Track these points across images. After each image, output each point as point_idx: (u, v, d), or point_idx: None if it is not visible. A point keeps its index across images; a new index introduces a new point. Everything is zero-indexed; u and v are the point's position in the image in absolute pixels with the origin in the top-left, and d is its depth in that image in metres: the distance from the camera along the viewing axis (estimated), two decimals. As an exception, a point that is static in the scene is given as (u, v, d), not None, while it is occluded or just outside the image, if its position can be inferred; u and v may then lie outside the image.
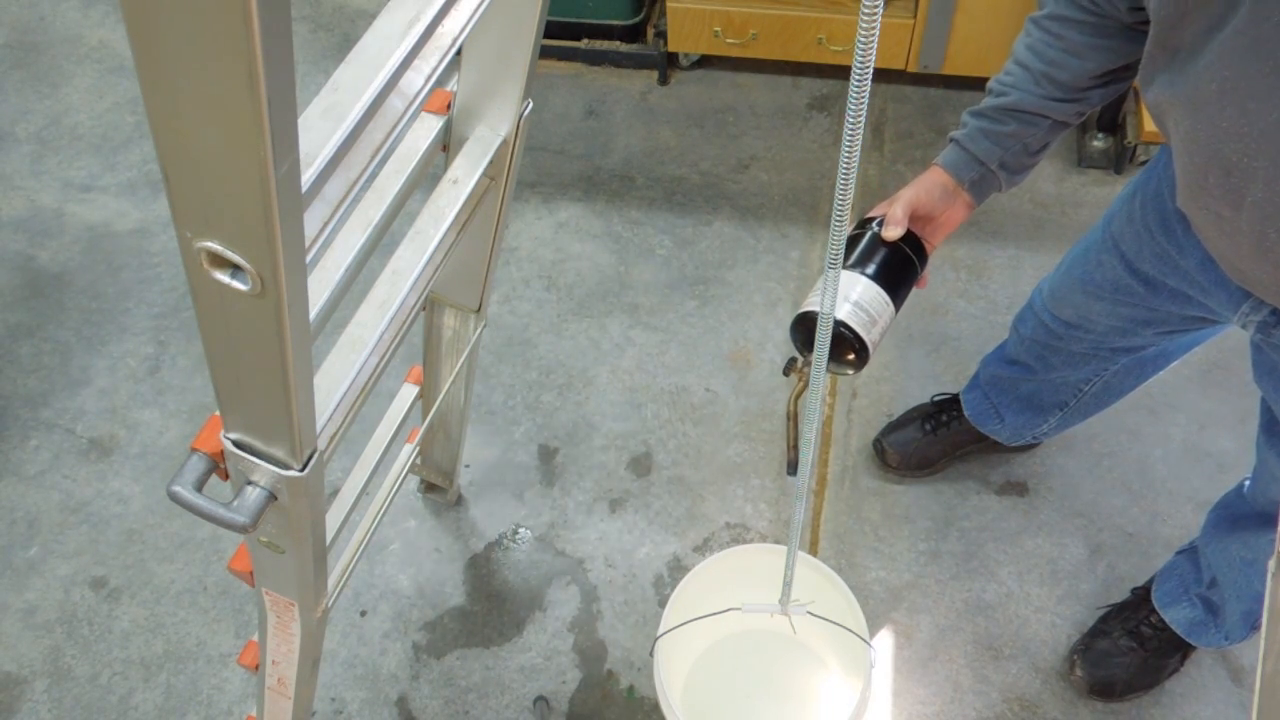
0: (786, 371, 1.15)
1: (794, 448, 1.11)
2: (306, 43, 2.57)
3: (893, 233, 1.14)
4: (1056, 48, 1.11)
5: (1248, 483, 1.43)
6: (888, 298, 1.11)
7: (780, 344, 2.04)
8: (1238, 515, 1.45)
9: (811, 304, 1.09)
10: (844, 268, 1.12)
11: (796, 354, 1.15)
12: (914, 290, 1.18)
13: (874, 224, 1.16)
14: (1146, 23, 1.03)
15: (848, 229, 1.17)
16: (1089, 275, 1.37)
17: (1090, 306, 1.40)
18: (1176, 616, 1.59)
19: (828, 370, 0.97)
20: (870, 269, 1.12)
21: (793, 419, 1.13)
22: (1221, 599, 1.50)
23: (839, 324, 1.08)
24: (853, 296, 1.10)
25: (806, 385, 1.08)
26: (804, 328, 1.11)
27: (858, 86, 0.61)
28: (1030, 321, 1.55)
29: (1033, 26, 1.14)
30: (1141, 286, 1.29)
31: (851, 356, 1.11)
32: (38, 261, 2.20)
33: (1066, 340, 1.49)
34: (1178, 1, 0.89)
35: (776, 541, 1.77)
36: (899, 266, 1.15)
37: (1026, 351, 1.58)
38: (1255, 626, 1.50)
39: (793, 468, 1.10)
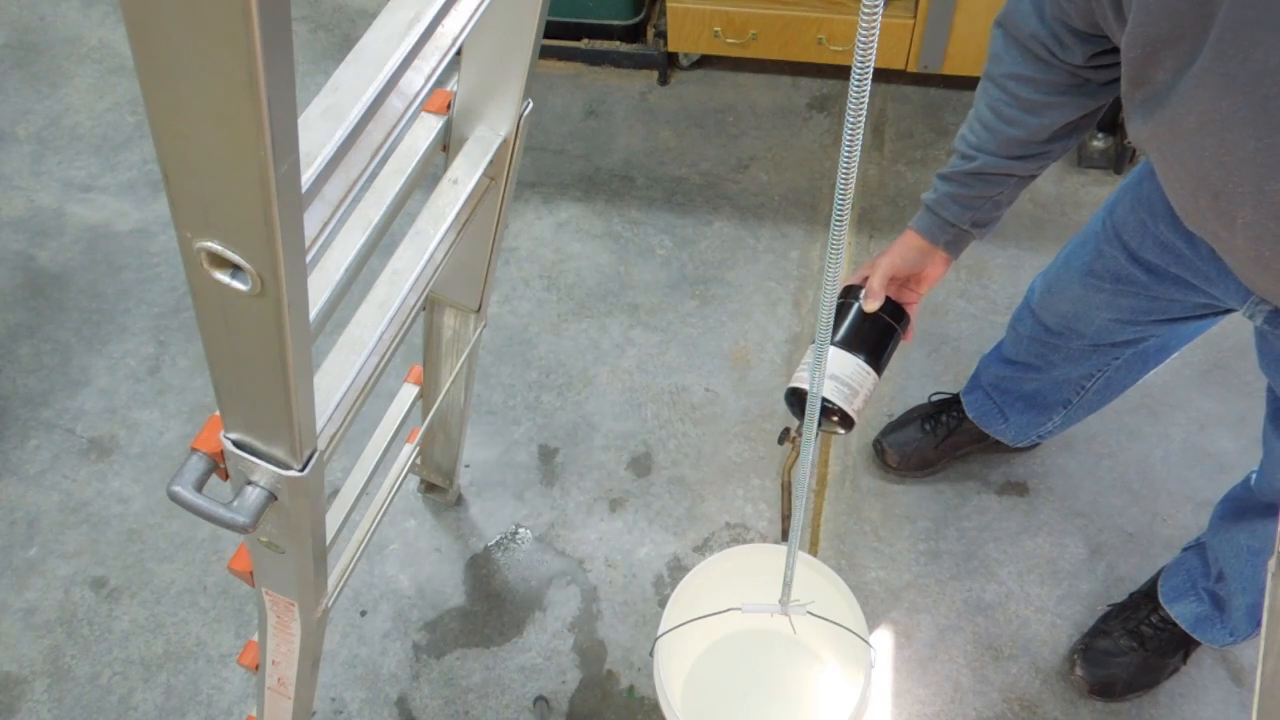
0: (781, 441, 1.24)
1: (787, 517, 1.18)
2: (306, 43, 2.57)
3: (871, 305, 1.24)
4: (1014, 106, 1.15)
5: (1254, 475, 1.42)
6: (869, 368, 1.23)
7: (780, 344, 2.04)
8: (1245, 507, 1.45)
9: (799, 379, 1.22)
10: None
11: (792, 416, 1.25)
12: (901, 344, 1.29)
13: (854, 294, 1.27)
14: (1103, 69, 1.08)
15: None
16: (1089, 266, 1.38)
17: (1090, 299, 1.40)
18: (1183, 611, 1.58)
19: (820, 431, 1.05)
20: (851, 342, 1.24)
21: (786, 489, 1.20)
22: (1229, 593, 1.50)
23: (823, 399, 1.18)
24: (835, 372, 1.21)
25: (799, 455, 1.16)
26: (796, 398, 1.23)
27: (858, 86, 0.61)
28: (1028, 321, 1.55)
29: (989, 84, 1.17)
30: (1145, 275, 1.30)
31: (837, 419, 1.22)
32: (38, 261, 2.20)
33: (1066, 337, 1.49)
34: (1145, 44, 0.91)
35: (776, 541, 1.77)
36: (879, 335, 1.26)
37: (1026, 351, 1.58)
38: (1260, 622, 1.50)
39: (785, 535, 1.21)
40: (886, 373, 1.75)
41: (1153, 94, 0.95)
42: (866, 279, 1.25)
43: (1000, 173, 1.20)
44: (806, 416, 0.95)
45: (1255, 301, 1.18)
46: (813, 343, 1.01)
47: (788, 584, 1.22)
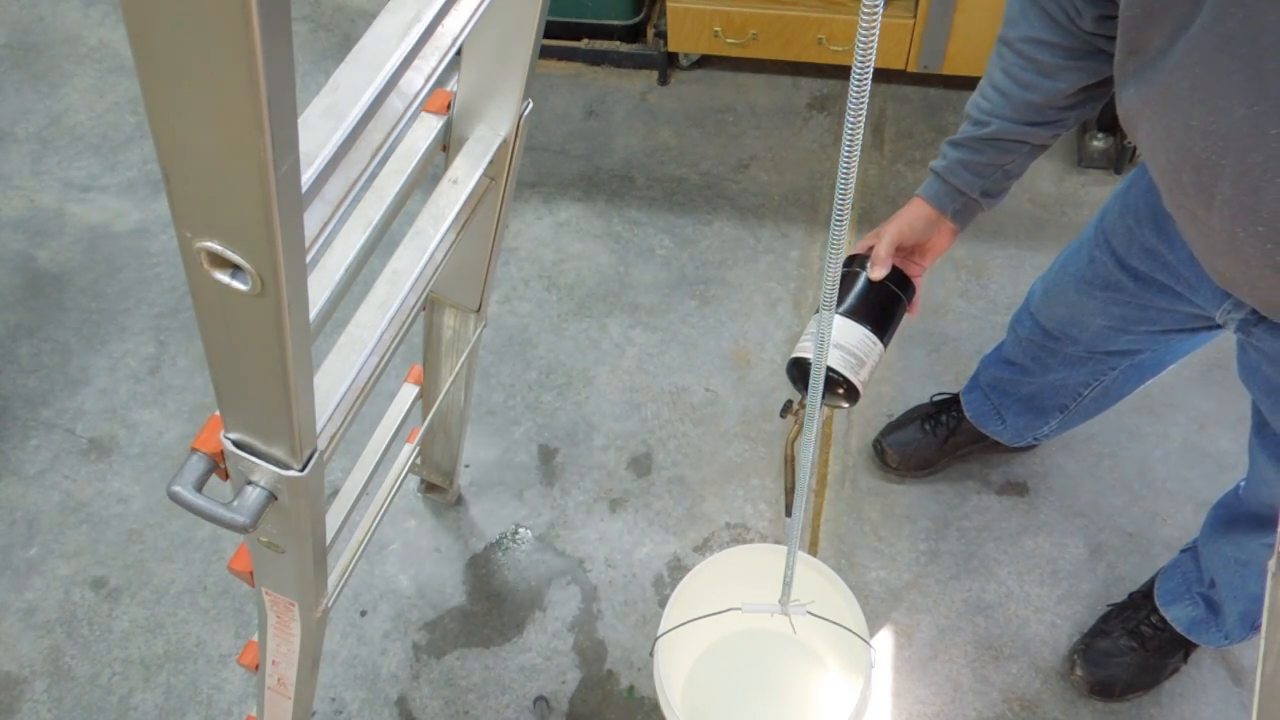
0: (783, 414, 1.19)
1: (790, 491, 1.15)
2: (306, 43, 2.57)
3: (878, 273, 1.19)
4: (1030, 70, 1.13)
5: (1242, 484, 1.43)
6: (875, 338, 1.18)
7: (780, 344, 2.04)
8: (1233, 516, 1.45)
9: (803, 349, 1.16)
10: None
11: (794, 390, 1.21)
12: (906, 317, 1.24)
13: (859, 263, 1.22)
14: (1114, 37, 1.06)
15: (843, 252, 1.22)
16: (1081, 272, 1.38)
17: (1083, 305, 1.40)
18: (1178, 615, 1.59)
19: (823, 404, 1.01)
20: (857, 311, 1.18)
21: (789, 462, 1.17)
22: (1221, 599, 1.51)
23: (828, 369, 1.13)
24: (841, 341, 1.16)
25: (803, 428, 1.13)
26: (798, 369, 1.17)
27: (858, 86, 0.61)
28: (1027, 323, 1.55)
29: (1005, 49, 1.15)
30: (1132, 282, 1.30)
31: (842, 392, 1.17)
32: (38, 261, 2.20)
33: (1062, 342, 1.49)
34: (1143, 2, 0.90)
35: (776, 541, 1.77)
36: (885, 305, 1.21)
37: (1024, 353, 1.58)
38: (1255, 627, 1.50)
39: (789, 510, 1.16)
40: (887, 372, 1.74)
41: (1147, 61, 0.94)
42: (871, 248, 1.21)
43: (1014, 139, 1.17)
44: (811, 382, 0.90)
45: (1227, 309, 1.17)
46: (816, 312, 0.96)
47: (788, 584, 1.22)
